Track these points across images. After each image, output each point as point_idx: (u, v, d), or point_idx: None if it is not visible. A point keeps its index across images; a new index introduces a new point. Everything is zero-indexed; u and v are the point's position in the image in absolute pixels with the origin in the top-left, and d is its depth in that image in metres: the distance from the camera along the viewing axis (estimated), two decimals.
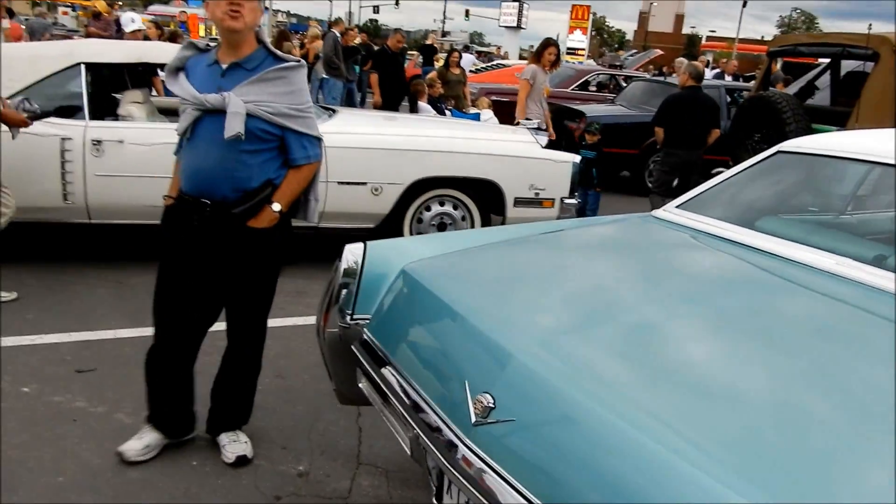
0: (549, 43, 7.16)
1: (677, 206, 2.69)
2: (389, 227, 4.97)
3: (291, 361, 3.54)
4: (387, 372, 1.99)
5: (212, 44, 2.60)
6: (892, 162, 2.37)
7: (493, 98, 9.55)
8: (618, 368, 1.55)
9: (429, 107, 8.67)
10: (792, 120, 6.02)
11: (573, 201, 5.18)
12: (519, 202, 5.06)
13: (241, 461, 2.63)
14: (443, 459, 1.63)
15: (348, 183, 4.77)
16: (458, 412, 1.65)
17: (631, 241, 2.49)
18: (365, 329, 2.20)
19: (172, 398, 2.66)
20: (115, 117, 4.66)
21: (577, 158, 5.20)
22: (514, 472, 1.46)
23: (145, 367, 2.63)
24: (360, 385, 2.21)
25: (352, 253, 2.30)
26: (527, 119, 6.30)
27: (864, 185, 2.85)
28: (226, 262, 2.48)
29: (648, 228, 2.57)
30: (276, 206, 2.47)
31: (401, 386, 1.91)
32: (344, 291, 2.28)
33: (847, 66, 7.16)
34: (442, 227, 5.09)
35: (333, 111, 5.51)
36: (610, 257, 2.34)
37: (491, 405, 1.57)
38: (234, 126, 2.29)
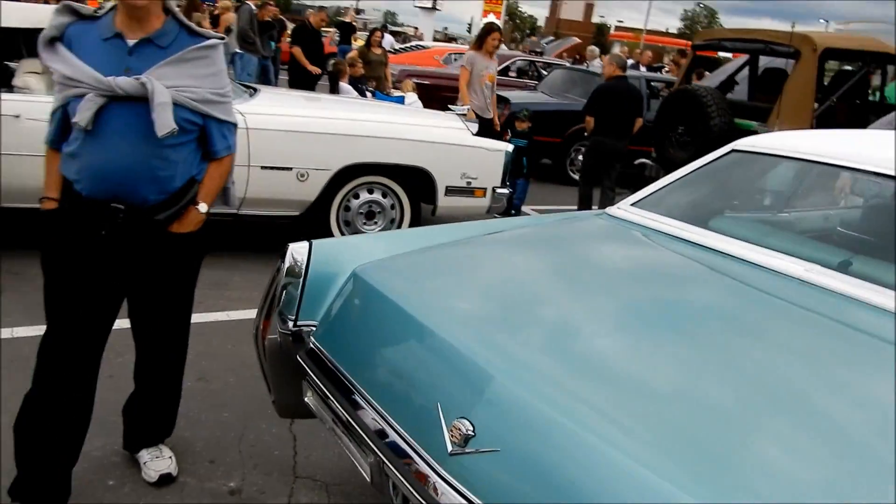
0: (491, 28, 6.91)
1: (632, 205, 2.60)
2: (315, 215, 4.73)
3: (215, 362, 3.27)
4: (339, 388, 1.80)
5: (99, 10, 2.15)
6: (847, 164, 2.36)
7: (416, 81, 9.33)
8: (612, 394, 1.42)
9: (350, 87, 8.38)
10: (716, 114, 6.10)
11: (505, 191, 5.07)
12: (450, 191, 4.91)
13: (165, 479, 2.37)
14: (415, 493, 1.46)
15: (273, 168, 4.49)
16: (430, 439, 1.48)
17: (590, 243, 2.37)
18: (312, 337, 2.00)
19: (55, 458, 2.15)
20: (10, 89, 4.20)
21: (510, 147, 5.09)
22: None
23: (18, 422, 2.15)
24: (305, 399, 2.02)
25: (296, 252, 2.09)
26: (455, 105, 6.13)
27: (808, 184, 2.86)
28: (142, 272, 2.16)
29: (604, 228, 2.46)
30: (203, 207, 2.17)
31: (358, 405, 1.73)
32: (286, 294, 2.07)
33: (764, 62, 7.35)
34: (370, 216, 4.89)
35: (255, 89, 5.18)
36: (575, 261, 2.20)
37: (470, 433, 1.41)
38: (166, 121, 1.94)
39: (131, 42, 2.02)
